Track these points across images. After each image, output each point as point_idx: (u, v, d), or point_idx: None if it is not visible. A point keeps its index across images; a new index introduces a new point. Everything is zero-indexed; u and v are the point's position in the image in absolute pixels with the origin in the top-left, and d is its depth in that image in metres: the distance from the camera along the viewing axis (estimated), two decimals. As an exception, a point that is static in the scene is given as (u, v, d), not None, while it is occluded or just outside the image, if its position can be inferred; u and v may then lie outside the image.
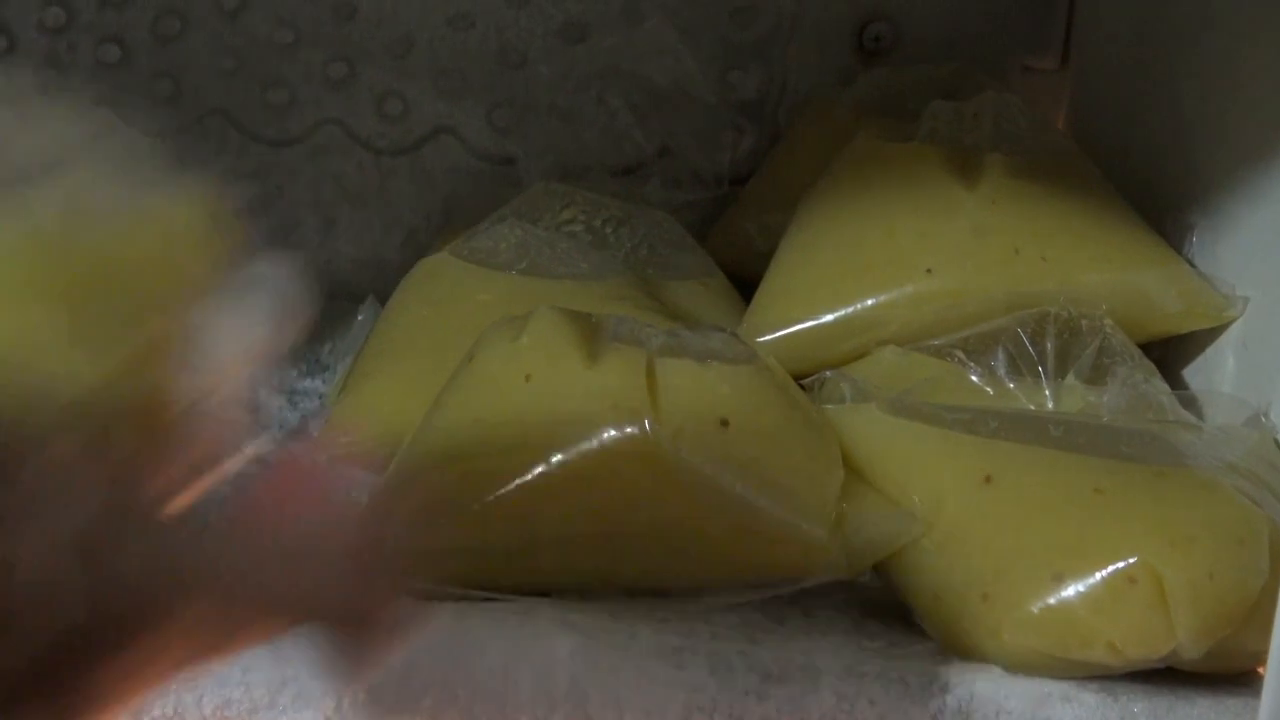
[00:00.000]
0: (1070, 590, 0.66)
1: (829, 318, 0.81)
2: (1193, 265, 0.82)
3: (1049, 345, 0.76)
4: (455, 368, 0.73)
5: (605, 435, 0.69)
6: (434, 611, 0.67)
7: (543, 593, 0.69)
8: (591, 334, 0.71)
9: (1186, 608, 0.65)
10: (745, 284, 0.87)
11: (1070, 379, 0.75)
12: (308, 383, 0.90)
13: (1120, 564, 0.66)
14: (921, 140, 0.84)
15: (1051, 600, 0.66)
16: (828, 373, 0.77)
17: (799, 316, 0.82)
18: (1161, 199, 0.84)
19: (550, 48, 1.00)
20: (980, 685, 0.67)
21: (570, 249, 0.82)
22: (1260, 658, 0.65)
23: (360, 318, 0.90)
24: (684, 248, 0.87)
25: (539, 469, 0.69)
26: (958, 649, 0.68)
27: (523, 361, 0.71)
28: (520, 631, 0.66)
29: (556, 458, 0.69)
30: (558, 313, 0.73)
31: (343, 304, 0.94)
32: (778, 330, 0.81)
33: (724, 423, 0.69)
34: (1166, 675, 0.67)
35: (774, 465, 0.70)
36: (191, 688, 0.64)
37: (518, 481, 0.69)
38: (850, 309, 0.80)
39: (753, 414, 0.70)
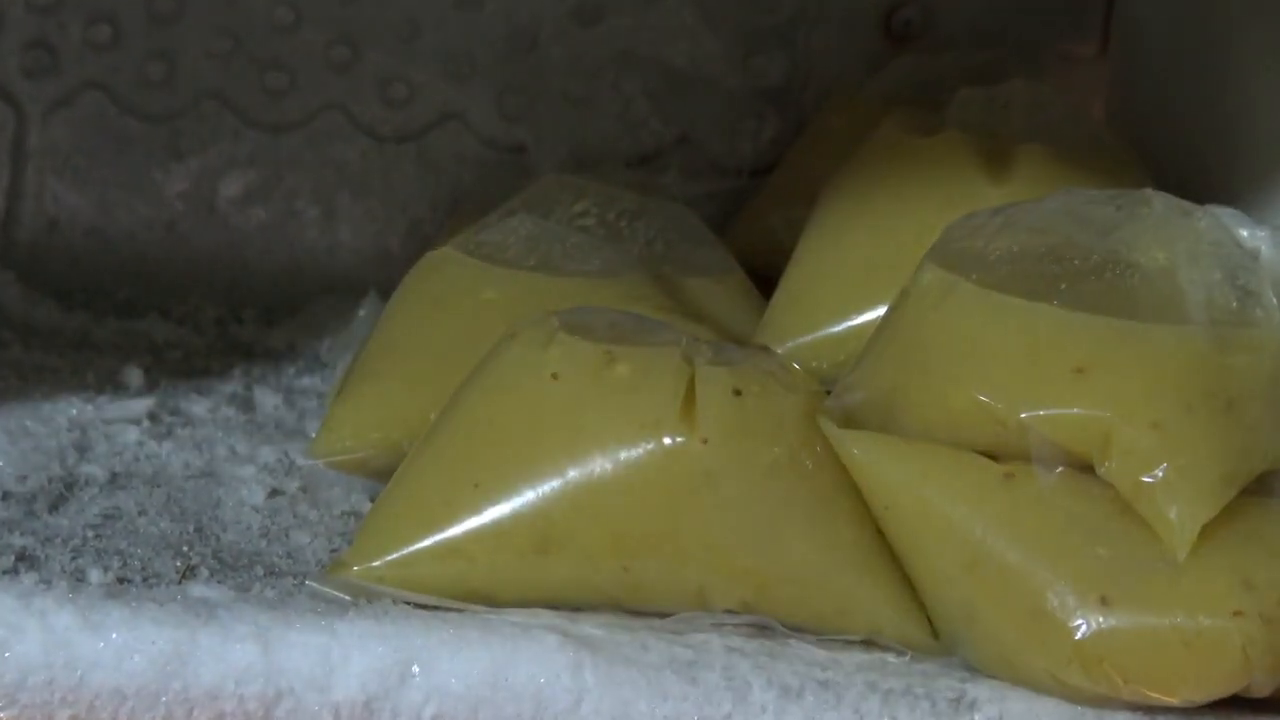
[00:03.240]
0: (1123, 621, 0.66)
1: (854, 322, 0.81)
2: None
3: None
4: (475, 366, 0.73)
5: (635, 444, 0.69)
6: (434, 623, 0.67)
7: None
8: (630, 337, 0.72)
9: (1259, 644, 0.65)
10: (767, 281, 0.87)
11: None
12: (305, 380, 0.90)
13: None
14: (950, 130, 0.84)
15: (1100, 631, 0.66)
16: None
17: (821, 322, 0.82)
18: (1203, 192, 0.82)
19: (563, 30, 1.00)
20: (1011, 704, 0.67)
21: (582, 244, 0.82)
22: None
23: (361, 313, 0.91)
24: (702, 243, 0.87)
25: (560, 475, 0.69)
26: (993, 669, 0.68)
27: (550, 361, 0.71)
28: (525, 643, 0.67)
29: (580, 464, 0.69)
30: (592, 312, 0.73)
31: (343, 298, 0.94)
32: (799, 337, 0.81)
33: (771, 449, 0.70)
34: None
35: (825, 505, 0.70)
36: (183, 700, 0.65)
37: (535, 487, 0.69)
38: (876, 313, 0.78)
39: (799, 445, 0.70)
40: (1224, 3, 0.90)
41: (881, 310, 0.75)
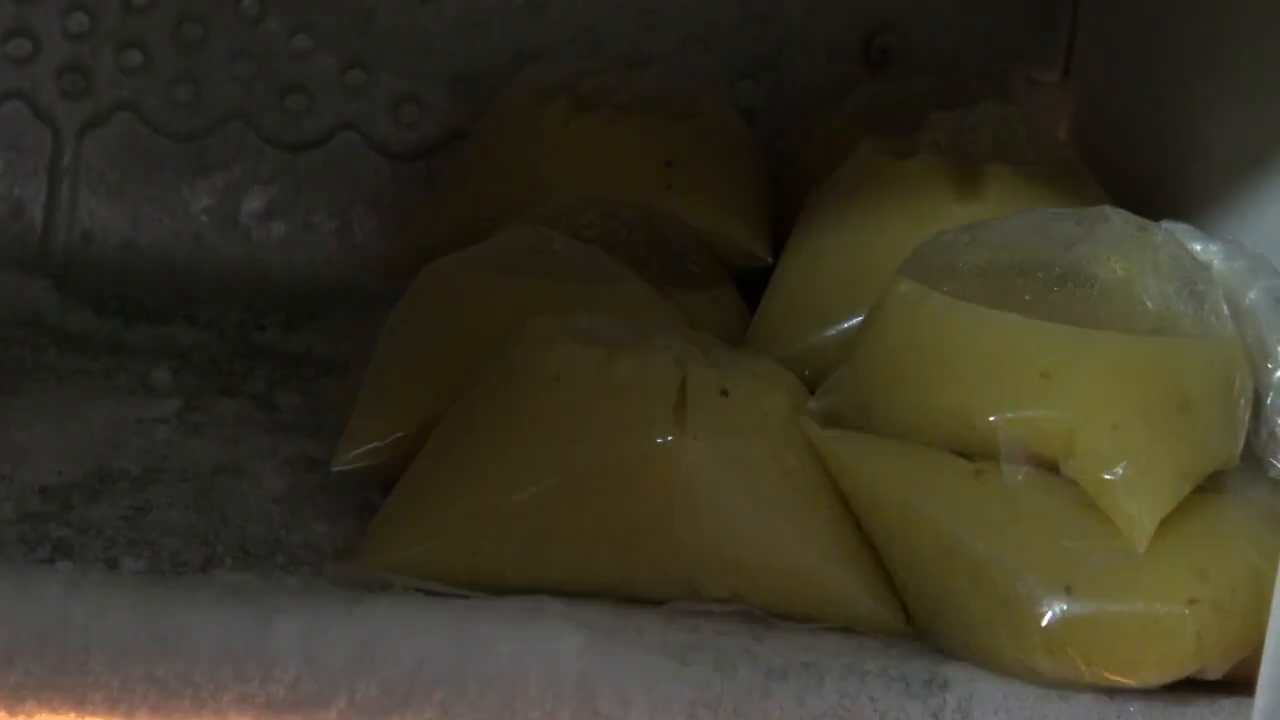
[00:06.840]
0: (1086, 608, 0.66)
1: (832, 333, 0.81)
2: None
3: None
4: (481, 369, 0.74)
5: (631, 443, 0.70)
6: (444, 608, 0.68)
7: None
8: (627, 342, 0.72)
9: (1212, 630, 0.66)
10: (749, 295, 0.87)
11: None
12: (323, 381, 0.91)
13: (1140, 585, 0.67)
14: (923, 153, 0.84)
15: (1064, 618, 0.67)
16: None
17: (802, 335, 0.81)
18: (1159, 209, 0.82)
19: (564, 52, 1.01)
20: (980, 683, 0.68)
21: (583, 254, 0.81)
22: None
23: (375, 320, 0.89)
24: (694, 257, 0.87)
25: (560, 470, 0.70)
26: (963, 653, 0.69)
27: (551, 364, 0.72)
28: (529, 627, 0.67)
29: (579, 460, 0.70)
30: (591, 318, 0.74)
31: (357, 306, 0.95)
32: (781, 350, 0.80)
33: (756, 446, 0.71)
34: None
35: (807, 500, 0.71)
36: (211, 676, 0.66)
37: (537, 481, 0.70)
38: (853, 325, 0.79)
39: (783, 443, 0.71)
40: (1184, 28, 0.90)
41: (858, 322, 0.76)
